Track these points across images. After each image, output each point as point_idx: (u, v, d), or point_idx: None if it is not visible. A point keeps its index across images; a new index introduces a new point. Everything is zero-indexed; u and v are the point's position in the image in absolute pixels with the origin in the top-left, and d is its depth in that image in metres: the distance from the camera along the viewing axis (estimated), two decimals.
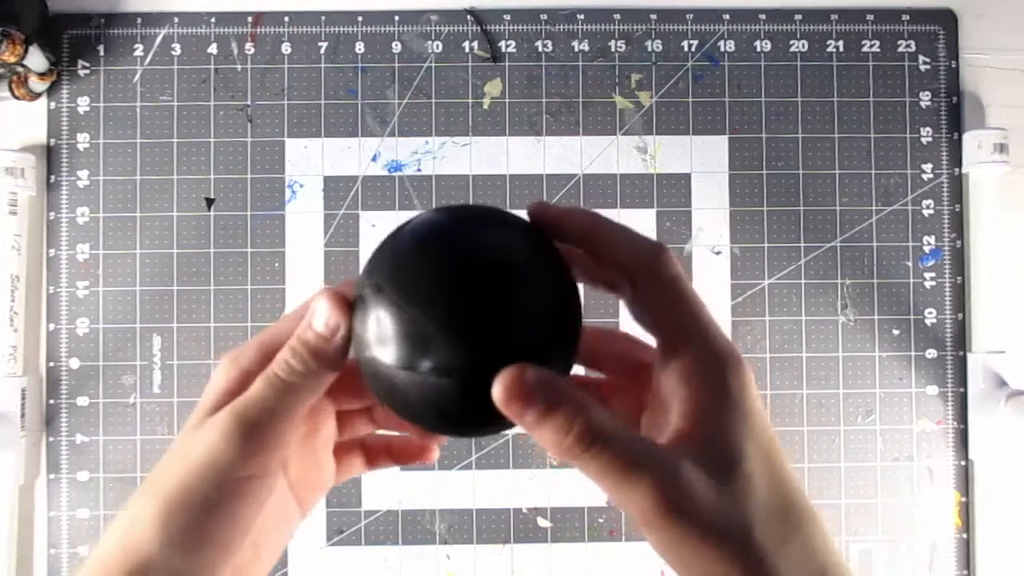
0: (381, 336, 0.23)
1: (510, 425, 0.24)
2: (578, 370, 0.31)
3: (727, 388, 0.23)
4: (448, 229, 0.24)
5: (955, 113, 0.57)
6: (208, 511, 0.25)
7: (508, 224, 0.25)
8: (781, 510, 0.23)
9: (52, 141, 0.56)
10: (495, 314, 0.23)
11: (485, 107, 0.57)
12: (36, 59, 0.53)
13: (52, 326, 0.55)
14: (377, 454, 0.33)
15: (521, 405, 0.22)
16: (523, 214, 0.27)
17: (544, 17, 0.57)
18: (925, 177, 0.57)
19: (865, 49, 0.58)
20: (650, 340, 0.26)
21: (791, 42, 0.58)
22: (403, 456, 0.33)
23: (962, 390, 0.56)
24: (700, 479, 0.22)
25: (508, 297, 0.23)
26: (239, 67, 0.57)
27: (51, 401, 0.55)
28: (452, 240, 0.24)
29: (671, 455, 0.22)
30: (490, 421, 0.23)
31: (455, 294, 0.23)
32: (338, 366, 0.26)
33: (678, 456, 0.22)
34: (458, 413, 0.24)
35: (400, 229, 0.26)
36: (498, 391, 0.22)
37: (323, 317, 0.25)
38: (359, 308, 0.24)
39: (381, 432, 0.34)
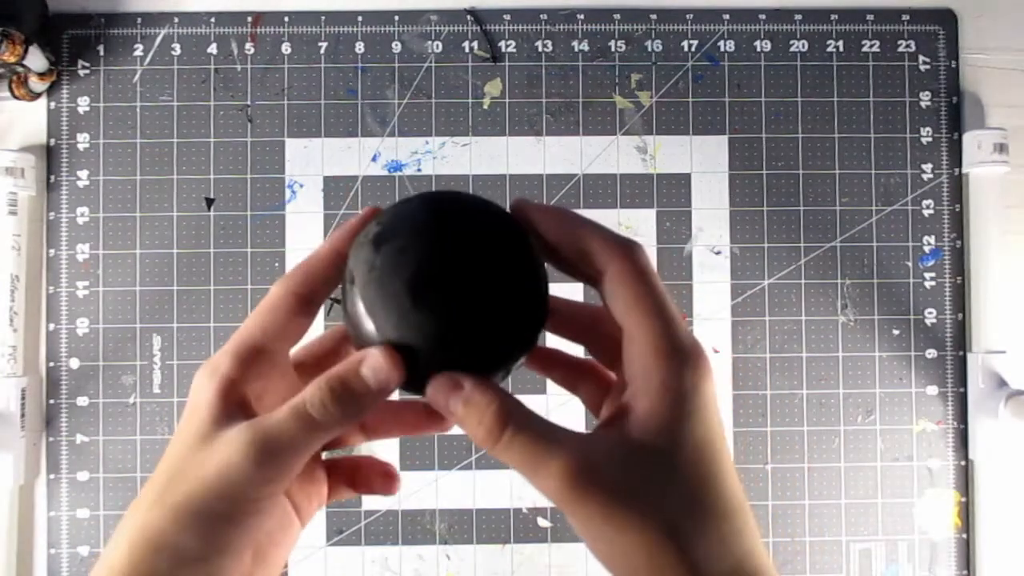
0: (370, 308, 0.25)
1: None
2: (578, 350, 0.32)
3: (677, 376, 0.24)
4: (434, 216, 0.26)
5: (955, 113, 0.57)
6: (221, 525, 0.25)
7: (488, 214, 0.27)
8: (705, 502, 0.24)
9: (52, 141, 0.56)
10: (466, 294, 0.25)
11: (485, 107, 0.57)
12: (36, 59, 0.53)
13: (52, 326, 0.55)
14: (341, 478, 0.33)
15: (443, 405, 0.25)
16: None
17: (544, 17, 0.57)
18: (925, 177, 0.57)
19: (865, 49, 0.58)
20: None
21: (791, 42, 0.58)
22: (365, 484, 0.33)
23: (962, 390, 0.56)
24: (615, 457, 0.23)
25: (479, 279, 0.25)
26: (239, 67, 0.57)
27: (51, 401, 0.55)
28: (435, 226, 0.26)
29: (587, 435, 0.24)
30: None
31: (432, 276, 0.25)
32: (369, 410, 0.26)
33: (597, 436, 0.24)
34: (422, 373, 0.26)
35: (402, 208, 0.27)
36: (428, 393, 0.25)
37: (378, 370, 0.25)
38: (354, 274, 0.26)
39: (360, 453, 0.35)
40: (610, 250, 0.25)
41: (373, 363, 0.25)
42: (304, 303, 0.27)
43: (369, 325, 0.25)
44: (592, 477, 0.23)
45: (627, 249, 0.25)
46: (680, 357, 0.24)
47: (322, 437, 0.25)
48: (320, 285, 0.28)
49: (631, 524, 0.23)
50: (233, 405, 0.26)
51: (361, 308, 0.26)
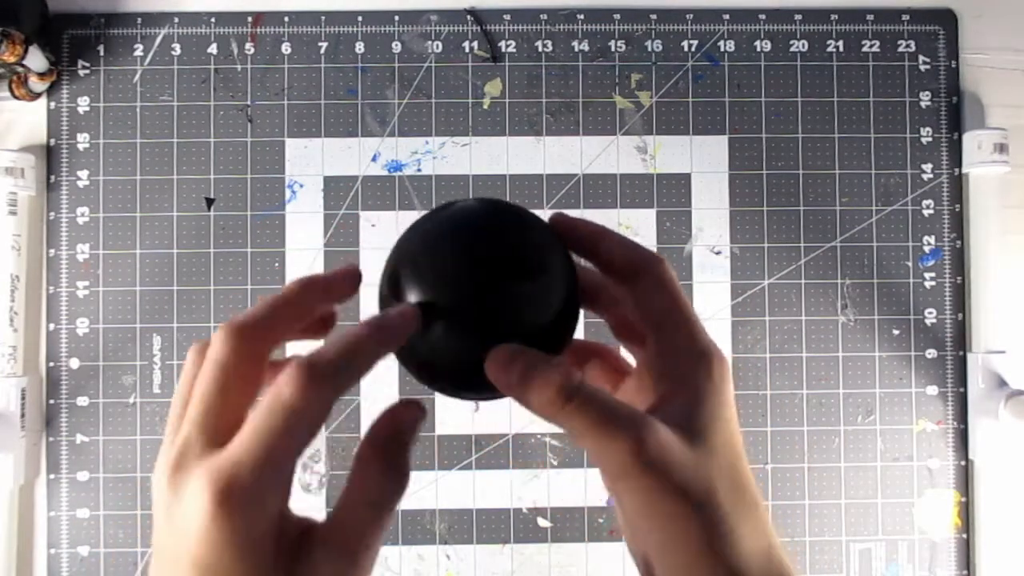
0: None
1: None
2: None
3: (710, 376, 0.26)
4: (481, 225, 0.27)
5: (955, 113, 0.57)
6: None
7: (530, 225, 0.28)
8: (740, 489, 0.25)
9: (52, 141, 0.56)
10: (508, 299, 0.26)
11: (485, 107, 0.57)
12: (36, 59, 0.53)
13: (52, 326, 0.55)
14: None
15: (505, 369, 0.25)
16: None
17: (544, 17, 0.57)
18: (925, 177, 0.57)
19: (865, 49, 0.58)
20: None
21: (791, 42, 0.58)
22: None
23: (962, 390, 0.56)
24: (674, 440, 0.24)
25: (521, 282, 0.26)
26: (239, 67, 0.57)
27: (51, 401, 0.55)
28: (481, 235, 0.27)
29: (648, 415, 0.24)
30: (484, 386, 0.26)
31: (475, 279, 0.26)
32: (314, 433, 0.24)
33: (655, 418, 0.24)
34: (463, 376, 0.26)
35: (437, 216, 0.28)
36: (488, 362, 0.25)
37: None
38: (395, 282, 0.27)
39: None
40: (645, 258, 0.27)
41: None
42: (263, 361, 0.25)
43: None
44: (658, 458, 0.23)
45: (661, 260, 0.28)
46: (709, 358, 0.26)
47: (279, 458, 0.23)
48: (279, 336, 0.26)
49: (687, 512, 0.24)
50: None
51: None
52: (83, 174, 0.56)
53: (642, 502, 0.24)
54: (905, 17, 0.58)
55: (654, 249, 0.56)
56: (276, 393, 0.23)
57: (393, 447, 0.25)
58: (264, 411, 0.23)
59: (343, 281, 0.27)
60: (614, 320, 0.30)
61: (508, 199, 0.57)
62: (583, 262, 0.29)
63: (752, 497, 0.25)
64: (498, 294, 0.25)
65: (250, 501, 0.22)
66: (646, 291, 0.27)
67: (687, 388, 0.26)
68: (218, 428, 0.23)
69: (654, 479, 0.23)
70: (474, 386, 0.26)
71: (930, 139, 0.57)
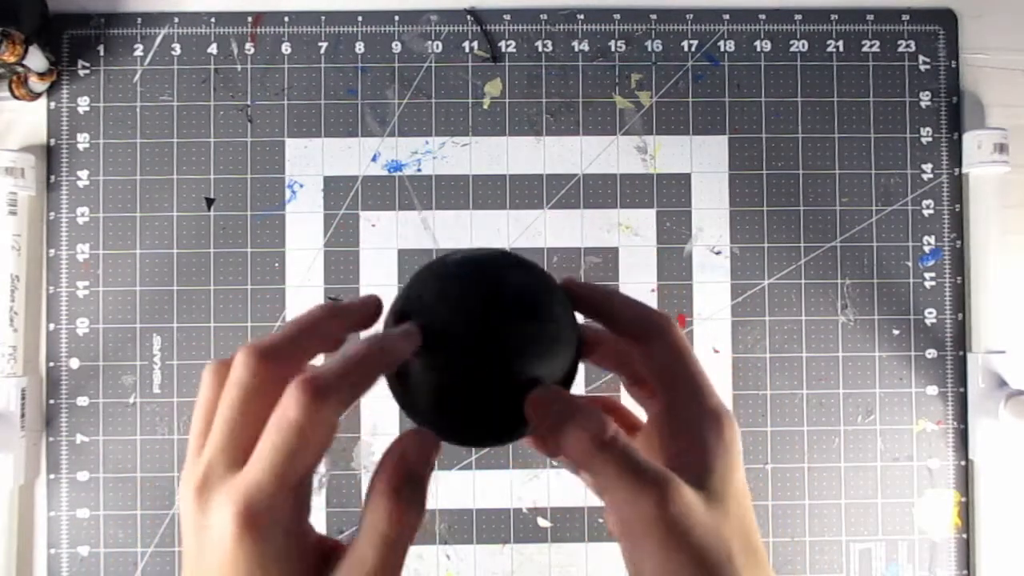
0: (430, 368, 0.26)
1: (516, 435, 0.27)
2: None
3: (721, 437, 0.27)
4: (489, 266, 0.28)
5: (955, 113, 0.57)
6: None
7: (537, 275, 0.28)
8: (751, 551, 0.26)
9: (52, 141, 0.56)
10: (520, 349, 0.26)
11: (485, 107, 0.57)
12: (36, 59, 0.53)
13: (52, 326, 0.55)
14: None
15: (546, 407, 0.26)
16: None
17: (544, 17, 0.57)
18: (925, 177, 0.57)
19: (865, 49, 0.58)
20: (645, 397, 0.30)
21: (791, 42, 0.58)
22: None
23: (962, 390, 0.56)
24: (696, 501, 0.25)
25: (532, 336, 0.27)
26: (239, 67, 0.57)
27: (51, 401, 0.55)
28: (489, 274, 0.27)
29: (674, 474, 0.25)
30: (506, 431, 0.27)
31: (485, 325, 0.26)
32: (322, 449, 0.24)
33: (679, 477, 0.25)
34: (480, 421, 0.27)
35: (445, 259, 0.28)
36: (530, 397, 0.26)
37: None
38: (402, 316, 0.27)
39: None
40: (655, 320, 0.28)
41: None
42: (284, 384, 0.24)
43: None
44: (683, 518, 0.24)
45: (670, 321, 0.29)
46: (720, 421, 0.27)
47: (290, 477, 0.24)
48: (303, 360, 0.26)
49: (705, 564, 0.24)
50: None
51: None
52: (83, 174, 0.56)
53: (661, 560, 0.24)
54: (905, 17, 0.58)
55: (654, 249, 0.57)
56: (282, 413, 0.23)
57: (405, 482, 0.24)
58: (272, 431, 0.23)
59: (365, 311, 0.28)
60: (627, 376, 0.31)
61: (508, 199, 0.57)
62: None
63: (761, 558, 0.26)
64: (506, 330, 0.26)
65: (269, 521, 0.23)
66: (657, 352, 0.28)
67: (699, 448, 0.26)
68: (240, 451, 0.24)
69: (677, 539, 0.24)
70: (468, 417, 0.26)
71: (930, 139, 0.57)
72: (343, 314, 0.27)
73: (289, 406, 0.23)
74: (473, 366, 0.25)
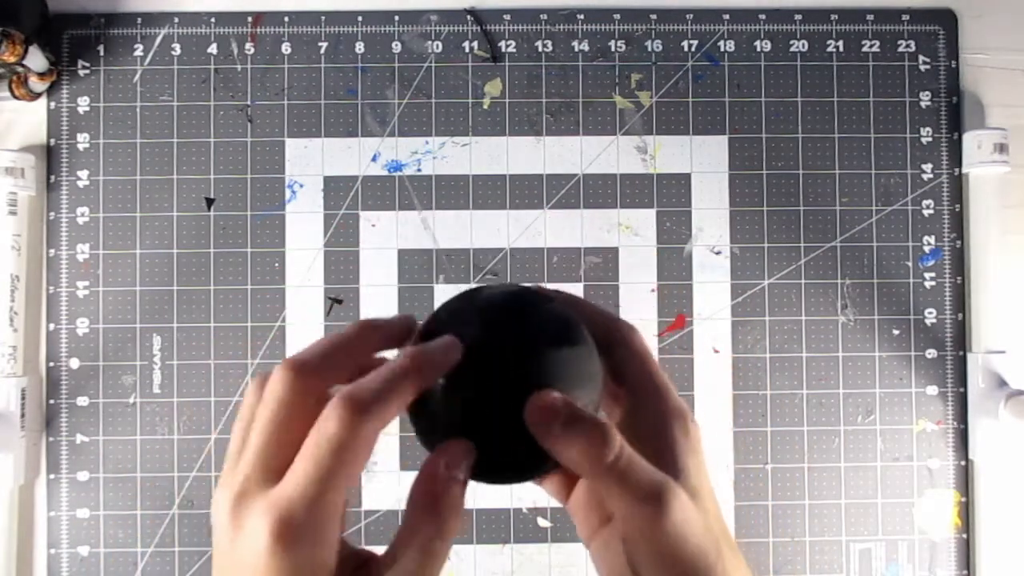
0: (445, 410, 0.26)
1: (539, 472, 0.28)
2: None
3: (689, 437, 0.27)
4: (522, 301, 0.28)
5: (955, 113, 0.57)
6: None
7: (573, 316, 0.29)
8: (727, 540, 0.27)
9: (52, 141, 0.56)
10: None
11: (485, 107, 0.57)
12: (36, 59, 0.53)
13: (52, 326, 0.55)
14: None
15: (550, 413, 0.25)
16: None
17: (544, 17, 0.57)
18: (925, 177, 0.57)
19: (865, 49, 0.58)
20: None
21: (791, 42, 0.58)
22: None
23: (962, 390, 0.56)
24: (690, 505, 0.25)
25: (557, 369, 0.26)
26: (239, 67, 0.57)
27: (51, 401, 0.55)
28: (527, 312, 0.27)
29: (673, 482, 0.25)
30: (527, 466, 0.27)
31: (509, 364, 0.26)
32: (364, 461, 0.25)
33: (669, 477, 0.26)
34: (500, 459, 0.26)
35: (475, 294, 0.28)
36: (531, 402, 0.25)
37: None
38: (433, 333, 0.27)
39: None
40: (619, 328, 0.29)
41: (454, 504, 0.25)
42: (321, 400, 0.25)
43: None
44: (682, 521, 0.25)
45: (632, 329, 0.29)
46: (684, 419, 0.28)
47: (332, 494, 0.24)
48: (338, 376, 0.26)
49: (699, 565, 0.25)
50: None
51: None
52: (83, 174, 0.56)
53: (659, 566, 0.25)
54: (905, 17, 0.58)
55: (654, 249, 0.57)
56: (321, 428, 0.23)
57: (441, 490, 0.24)
58: (311, 447, 0.23)
59: (402, 327, 0.28)
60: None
61: (508, 199, 0.57)
62: None
63: (734, 545, 0.27)
64: (544, 351, 0.26)
65: (306, 535, 0.23)
66: (622, 359, 0.29)
67: (671, 449, 0.27)
68: (277, 465, 0.24)
69: (675, 546, 0.24)
70: (502, 440, 0.26)
71: (930, 139, 0.57)
72: (379, 330, 0.27)
73: (330, 422, 0.23)
74: (507, 384, 0.25)
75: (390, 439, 0.55)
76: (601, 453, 0.24)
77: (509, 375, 0.25)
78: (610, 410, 0.30)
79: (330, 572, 0.24)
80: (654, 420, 0.28)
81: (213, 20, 0.57)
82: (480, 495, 0.55)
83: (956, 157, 0.57)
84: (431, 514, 0.24)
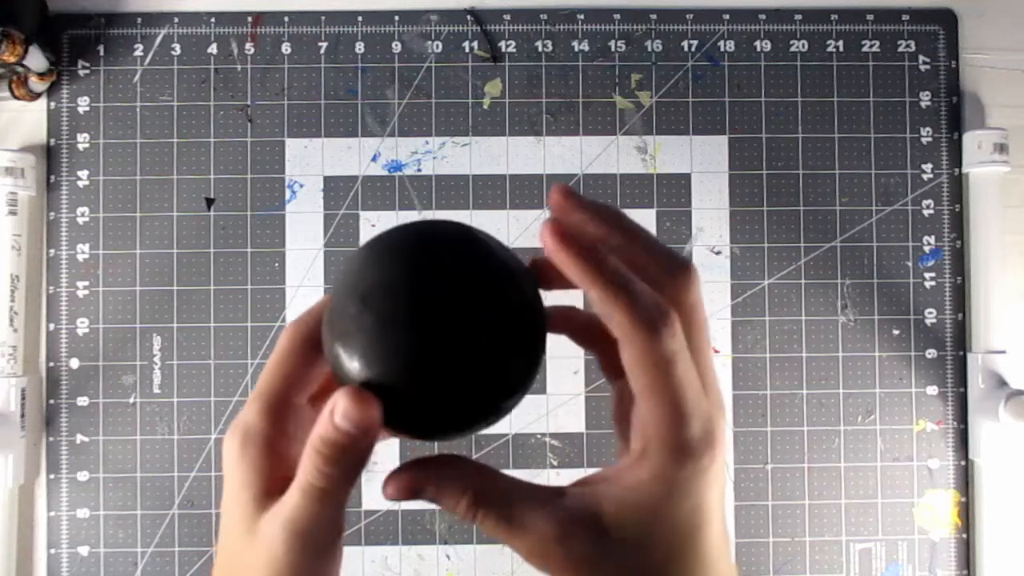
0: (334, 342, 0.24)
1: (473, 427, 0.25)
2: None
3: (673, 473, 0.23)
4: (416, 241, 0.25)
5: (955, 113, 0.57)
6: None
7: (479, 244, 0.25)
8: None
9: (52, 141, 0.56)
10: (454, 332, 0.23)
11: (485, 107, 0.57)
12: (36, 59, 0.53)
13: (52, 326, 0.55)
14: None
15: (410, 496, 0.25)
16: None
17: (544, 17, 0.57)
18: (925, 177, 0.57)
19: (865, 49, 0.58)
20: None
21: (791, 42, 0.58)
22: None
23: (962, 390, 0.56)
24: (581, 532, 0.24)
25: (457, 306, 0.23)
26: (239, 67, 0.57)
27: (51, 401, 0.55)
28: (414, 251, 0.24)
29: (555, 509, 0.24)
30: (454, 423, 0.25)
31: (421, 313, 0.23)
32: (371, 452, 0.24)
33: (570, 504, 0.24)
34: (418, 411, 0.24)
35: (382, 245, 0.25)
36: (388, 491, 0.25)
37: (349, 414, 0.23)
38: (333, 321, 0.24)
39: None
40: (630, 329, 0.23)
41: (342, 409, 0.23)
42: (317, 348, 0.26)
43: (339, 364, 0.24)
44: (564, 546, 0.24)
45: (649, 331, 0.23)
46: (685, 452, 0.23)
47: (342, 496, 0.24)
48: None
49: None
50: (272, 477, 0.25)
51: (329, 345, 0.24)
52: (83, 174, 0.56)
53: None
54: (905, 17, 0.58)
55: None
56: (327, 421, 0.23)
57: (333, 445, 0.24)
58: (318, 442, 0.24)
59: None
60: (603, 359, 0.28)
61: (508, 199, 0.57)
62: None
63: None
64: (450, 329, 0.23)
65: (315, 528, 0.24)
66: (629, 364, 0.23)
67: (637, 479, 0.24)
68: (274, 402, 0.26)
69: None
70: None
71: (930, 139, 0.57)
72: None
73: (338, 417, 0.23)
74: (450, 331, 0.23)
75: (389, 439, 0.55)
76: (462, 509, 0.25)
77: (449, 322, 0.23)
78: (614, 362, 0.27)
79: (335, 559, 0.26)
80: (644, 443, 0.24)
81: (213, 20, 0.57)
82: None
83: (956, 157, 0.57)
84: (325, 461, 0.24)
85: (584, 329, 0.28)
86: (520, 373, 0.24)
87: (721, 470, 0.25)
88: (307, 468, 0.24)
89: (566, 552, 0.24)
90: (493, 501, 0.25)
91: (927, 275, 0.57)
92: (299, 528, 0.24)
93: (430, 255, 0.24)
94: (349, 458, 0.23)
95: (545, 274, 0.25)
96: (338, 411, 0.23)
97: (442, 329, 0.23)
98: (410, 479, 0.25)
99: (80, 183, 0.56)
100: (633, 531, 0.24)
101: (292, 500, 0.24)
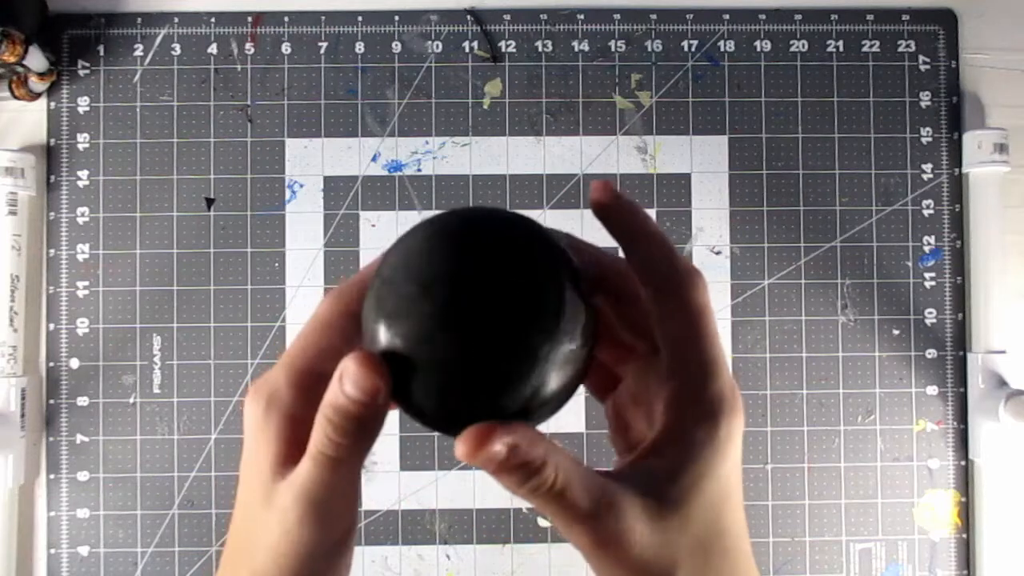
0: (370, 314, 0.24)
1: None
2: None
3: (714, 433, 0.24)
4: (467, 239, 0.24)
5: (955, 113, 0.57)
6: None
7: (521, 226, 0.25)
8: (712, 551, 0.24)
9: (52, 141, 0.56)
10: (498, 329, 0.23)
11: (485, 107, 0.57)
12: (36, 59, 0.53)
13: (52, 326, 0.55)
14: None
15: (478, 460, 0.23)
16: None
17: (544, 17, 0.57)
18: (925, 177, 0.57)
19: (865, 49, 0.58)
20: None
21: (791, 42, 0.58)
22: None
23: (962, 390, 0.56)
24: (638, 515, 0.23)
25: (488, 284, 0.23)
26: (239, 67, 0.57)
27: (51, 401, 0.55)
28: (452, 229, 0.24)
29: (613, 489, 0.23)
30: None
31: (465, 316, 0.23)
32: (383, 422, 0.24)
33: (623, 488, 0.23)
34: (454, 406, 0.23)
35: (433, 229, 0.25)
36: (460, 448, 0.23)
37: (358, 381, 0.22)
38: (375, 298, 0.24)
39: None
40: (677, 275, 0.24)
41: (351, 375, 0.22)
42: (358, 321, 0.25)
43: (376, 339, 0.23)
44: (615, 542, 0.23)
45: (693, 278, 0.24)
46: (713, 413, 0.24)
47: (354, 466, 0.24)
48: None
49: (637, 567, 0.24)
50: (294, 445, 0.24)
51: (372, 320, 0.23)
52: (83, 174, 0.56)
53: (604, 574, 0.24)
54: (905, 17, 0.58)
55: None
56: (336, 391, 0.23)
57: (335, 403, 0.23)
58: (329, 411, 0.23)
59: None
60: (593, 378, 0.28)
61: (508, 199, 0.57)
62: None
63: (733, 554, 0.25)
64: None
65: (326, 506, 0.24)
66: (667, 313, 0.24)
67: (683, 443, 0.24)
68: (302, 366, 0.25)
69: (610, 564, 0.23)
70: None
71: (930, 139, 0.57)
72: None
73: (347, 384, 0.23)
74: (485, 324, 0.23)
75: (390, 439, 0.55)
76: (511, 480, 0.23)
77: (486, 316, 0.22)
78: (624, 369, 0.27)
79: (348, 531, 0.25)
80: (681, 400, 0.24)
81: (213, 20, 0.57)
82: (480, 495, 0.55)
83: (956, 157, 0.57)
84: (335, 430, 0.23)
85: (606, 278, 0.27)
86: (562, 385, 0.24)
87: (740, 441, 0.25)
88: (318, 436, 0.23)
89: (633, 537, 0.23)
90: (545, 479, 0.23)
91: (927, 275, 0.57)
92: (312, 498, 0.24)
93: (497, 248, 0.23)
94: (359, 426, 0.23)
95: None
96: (347, 378, 0.22)
97: (492, 325, 0.22)
98: (515, 436, 0.22)
99: (80, 183, 0.56)
100: (678, 497, 0.24)
101: (304, 469, 0.24)
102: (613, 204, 0.25)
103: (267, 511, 0.24)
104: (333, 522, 0.24)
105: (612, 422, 0.28)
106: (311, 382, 0.25)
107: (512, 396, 0.23)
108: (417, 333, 0.22)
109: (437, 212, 0.26)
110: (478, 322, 0.22)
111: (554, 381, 0.23)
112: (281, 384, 0.25)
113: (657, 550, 0.23)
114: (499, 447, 0.22)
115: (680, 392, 0.24)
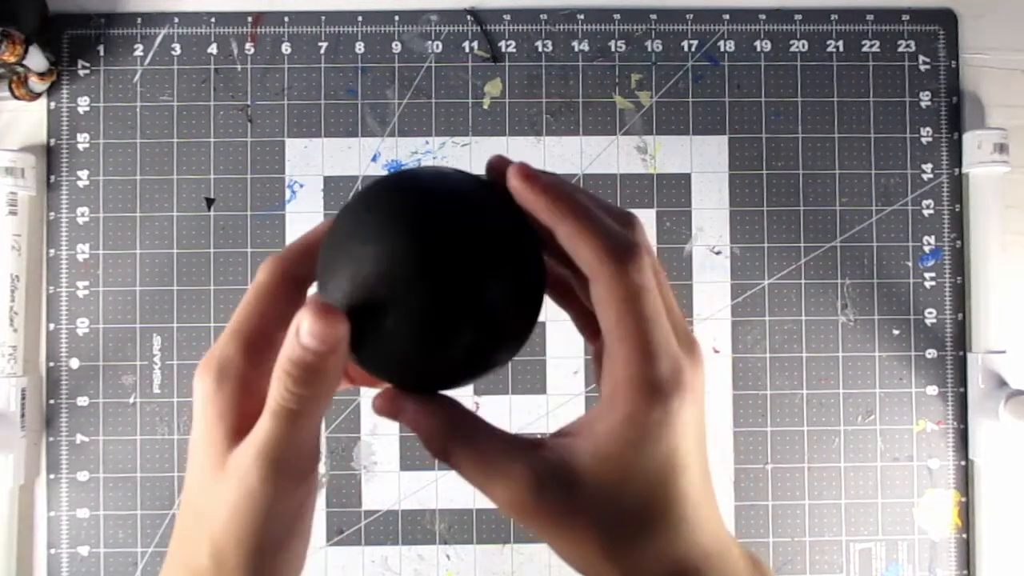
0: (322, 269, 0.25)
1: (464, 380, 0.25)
2: None
3: (645, 414, 0.23)
4: (412, 191, 0.26)
5: (955, 113, 0.57)
6: (280, 548, 0.25)
7: (470, 182, 0.27)
8: (647, 519, 0.24)
9: (52, 141, 0.56)
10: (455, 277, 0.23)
11: (485, 107, 0.57)
12: (36, 59, 0.53)
13: (52, 326, 0.55)
14: None
15: (391, 411, 0.25)
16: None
17: (544, 17, 0.57)
18: (925, 177, 0.57)
19: (865, 49, 0.58)
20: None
21: (791, 42, 0.58)
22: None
23: (962, 390, 0.56)
24: (562, 478, 0.23)
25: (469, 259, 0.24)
26: (239, 67, 0.57)
27: (51, 401, 0.55)
28: (417, 204, 0.25)
29: (536, 453, 0.24)
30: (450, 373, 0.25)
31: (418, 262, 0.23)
32: (342, 373, 0.24)
33: (549, 452, 0.24)
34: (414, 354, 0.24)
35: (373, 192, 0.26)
36: (376, 403, 0.25)
37: (315, 331, 0.22)
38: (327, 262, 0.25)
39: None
40: (600, 260, 0.23)
41: (307, 327, 0.22)
42: (299, 285, 0.26)
43: (328, 292, 0.24)
44: (539, 496, 0.23)
45: (619, 262, 0.23)
46: (653, 391, 0.23)
47: (315, 419, 0.24)
48: (313, 265, 0.26)
49: (574, 539, 0.24)
50: (245, 416, 0.24)
51: (325, 276, 0.24)
52: (83, 174, 0.56)
53: (544, 538, 0.24)
54: (905, 17, 0.58)
55: (654, 250, 0.56)
56: (294, 343, 0.23)
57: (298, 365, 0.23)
58: (287, 363, 0.23)
59: None
60: (574, 313, 0.28)
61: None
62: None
63: (671, 516, 0.24)
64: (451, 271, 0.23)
65: (289, 462, 0.24)
66: (597, 300, 0.24)
67: (609, 424, 0.23)
68: (248, 335, 0.25)
69: (539, 523, 0.24)
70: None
71: (930, 139, 0.57)
72: None
73: (304, 335, 0.22)
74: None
75: (390, 439, 0.55)
76: (436, 455, 0.24)
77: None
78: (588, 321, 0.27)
79: (308, 491, 0.25)
80: (613, 385, 0.23)
81: (213, 20, 0.57)
82: (480, 495, 0.55)
83: (956, 157, 0.57)
84: (294, 382, 0.23)
85: (558, 284, 0.28)
86: (516, 329, 0.25)
87: (697, 416, 0.24)
88: (277, 391, 0.23)
89: (540, 502, 0.23)
90: (470, 441, 0.24)
91: (927, 275, 0.57)
92: (273, 454, 0.23)
93: (443, 204, 0.25)
94: (319, 377, 0.23)
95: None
96: (303, 330, 0.22)
97: (447, 278, 0.23)
98: (395, 396, 0.25)
99: (80, 183, 0.56)
100: (607, 479, 0.23)
101: (264, 426, 0.23)
102: (532, 192, 0.25)
103: (223, 477, 0.24)
104: (297, 479, 0.24)
105: (596, 368, 0.27)
106: (259, 349, 0.25)
107: (463, 337, 0.23)
108: (369, 281, 0.23)
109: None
110: (430, 268, 0.23)
111: (506, 322, 0.24)
112: (232, 352, 0.25)
113: (579, 507, 0.23)
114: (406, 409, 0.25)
115: (616, 374, 0.23)
